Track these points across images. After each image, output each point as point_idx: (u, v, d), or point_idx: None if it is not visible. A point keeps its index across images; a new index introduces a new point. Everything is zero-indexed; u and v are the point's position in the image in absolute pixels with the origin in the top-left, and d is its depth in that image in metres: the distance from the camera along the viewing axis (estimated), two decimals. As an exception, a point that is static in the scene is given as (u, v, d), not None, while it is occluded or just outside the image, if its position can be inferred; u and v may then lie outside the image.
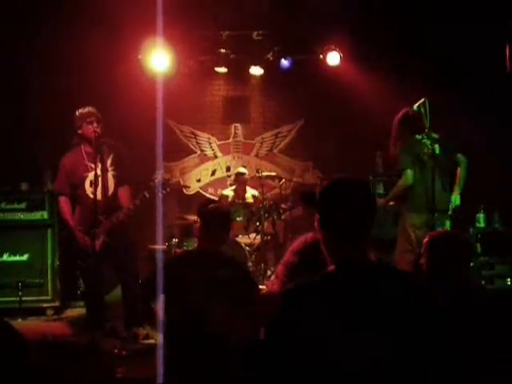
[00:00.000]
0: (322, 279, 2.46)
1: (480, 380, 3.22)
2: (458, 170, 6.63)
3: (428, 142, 6.14)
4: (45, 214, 7.68)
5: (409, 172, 6.43)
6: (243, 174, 9.17)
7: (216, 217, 4.56)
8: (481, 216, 7.75)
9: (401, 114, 6.71)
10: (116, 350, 5.59)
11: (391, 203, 6.76)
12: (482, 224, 7.75)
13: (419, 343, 2.33)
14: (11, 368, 2.49)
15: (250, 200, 9.06)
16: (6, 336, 2.57)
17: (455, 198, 6.59)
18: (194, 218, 8.60)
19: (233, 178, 9.52)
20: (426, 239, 3.86)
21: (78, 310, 7.62)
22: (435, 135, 6.29)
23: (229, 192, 9.23)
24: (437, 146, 6.15)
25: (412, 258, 6.22)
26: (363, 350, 2.28)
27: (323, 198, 2.55)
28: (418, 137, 6.32)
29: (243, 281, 4.44)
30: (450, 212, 6.50)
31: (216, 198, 9.59)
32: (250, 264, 8.13)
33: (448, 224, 6.45)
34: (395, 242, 6.74)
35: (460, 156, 6.63)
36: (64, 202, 6.56)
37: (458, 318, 3.29)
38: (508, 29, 8.16)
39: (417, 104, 6.20)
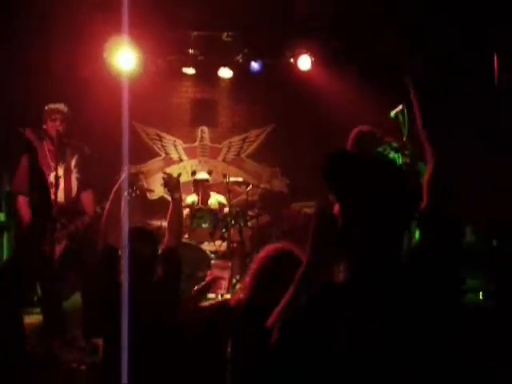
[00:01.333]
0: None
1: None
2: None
3: (389, 152, 5.88)
4: (1, 216, 7.39)
5: None
6: (202, 180, 8.83)
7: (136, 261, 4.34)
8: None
9: (354, 133, 6.45)
10: (75, 364, 5.29)
11: None
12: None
13: None
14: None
15: (214, 206, 8.79)
16: None
17: None
18: (157, 223, 8.33)
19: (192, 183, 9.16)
20: None
21: (34, 317, 7.28)
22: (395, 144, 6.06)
23: (193, 198, 8.92)
24: (398, 156, 5.89)
25: None
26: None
27: (364, 174, 2.24)
28: (380, 148, 6.06)
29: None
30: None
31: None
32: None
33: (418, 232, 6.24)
34: None
35: (421, 165, 6.42)
36: (23, 202, 6.26)
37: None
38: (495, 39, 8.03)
39: (394, 111, 5.94)
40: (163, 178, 4.84)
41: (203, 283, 5.08)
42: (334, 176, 2.30)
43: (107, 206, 4.85)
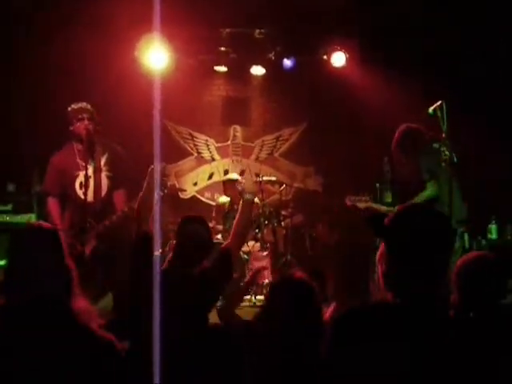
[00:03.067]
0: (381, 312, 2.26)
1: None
2: None
3: (444, 150, 5.73)
4: (32, 217, 7.28)
5: (433, 182, 6.05)
6: (233, 180, 8.60)
7: (192, 243, 4.23)
8: (493, 227, 7.39)
9: (401, 130, 6.34)
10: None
11: None
12: (494, 235, 7.38)
13: None
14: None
15: (247, 206, 8.62)
16: None
17: None
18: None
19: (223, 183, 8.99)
20: (457, 264, 3.44)
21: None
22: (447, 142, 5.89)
23: (225, 199, 8.78)
24: (454, 154, 5.73)
25: None
26: None
27: (397, 226, 2.32)
28: (436, 145, 5.92)
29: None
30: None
31: (213, 203, 9.21)
32: (246, 272, 7.76)
33: (466, 237, 6.09)
34: None
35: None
36: (52, 204, 6.16)
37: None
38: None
39: (433, 107, 5.78)
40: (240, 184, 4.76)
41: (248, 277, 4.95)
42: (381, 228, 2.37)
43: (141, 194, 4.72)
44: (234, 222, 4.50)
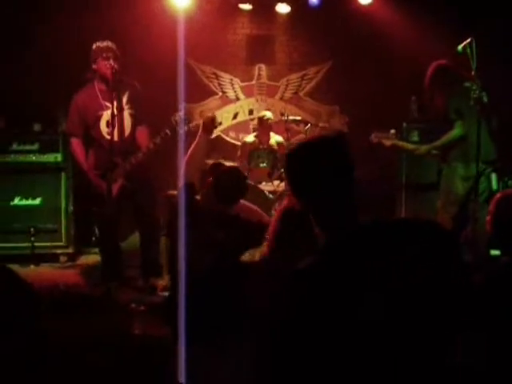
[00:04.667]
0: (322, 258, 2.10)
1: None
2: None
3: (475, 89, 5.64)
4: (58, 157, 7.35)
5: (461, 122, 6.01)
6: (268, 118, 8.63)
7: (231, 180, 4.38)
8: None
9: (433, 67, 6.26)
10: (133, 305, 5.24)
11: (434, 152, 6.36)
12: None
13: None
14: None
15: (274, 147, 8.62)
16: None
17: None
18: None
19: (256, 122, 8.99)
20: (497, 196, 3.40)
21: (93, 257, 7.33)
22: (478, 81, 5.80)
23: (251, 138, 8.76)
24: (484, 93, 5.65)
25: (455, 210, 6.06)
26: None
27: (292, 164, 2.28)
28: (467, 84, 5.84)
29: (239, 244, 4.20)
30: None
31: (238, 143, 9.19)
32: (272, 212, 7.76)
33: (494, 177, 6.04)
34: (433, 186, 6.64)
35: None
36: (76, 144, 6.22)
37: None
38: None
39: (462, 45, 5.68)
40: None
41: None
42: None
43: (191, 148, 4.77)
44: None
